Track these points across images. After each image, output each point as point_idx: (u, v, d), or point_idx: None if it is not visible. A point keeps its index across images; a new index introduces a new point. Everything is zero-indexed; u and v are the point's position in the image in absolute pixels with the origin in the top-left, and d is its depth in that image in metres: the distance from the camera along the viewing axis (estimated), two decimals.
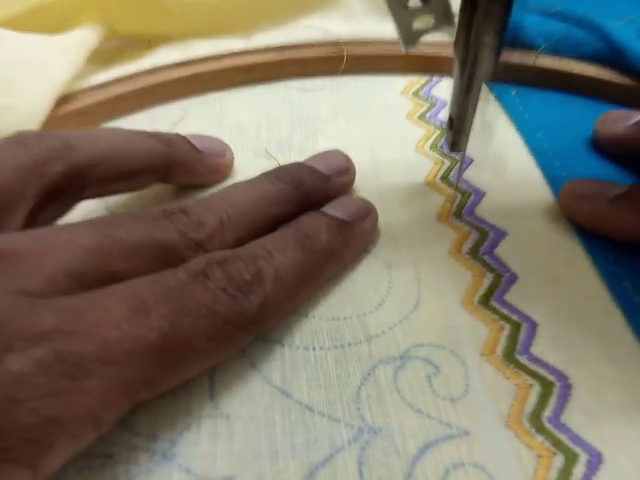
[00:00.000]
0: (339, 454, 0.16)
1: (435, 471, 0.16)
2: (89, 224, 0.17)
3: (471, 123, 0.21)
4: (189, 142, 0.23)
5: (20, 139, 0.18)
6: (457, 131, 0.22)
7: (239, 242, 0.19)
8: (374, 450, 0.17)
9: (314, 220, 0.20)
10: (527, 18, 0.31)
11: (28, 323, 0.14)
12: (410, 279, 0.21)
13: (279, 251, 0.18)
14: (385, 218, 0.23)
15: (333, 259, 0.20)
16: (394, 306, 0.20)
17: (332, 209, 0.21)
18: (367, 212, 0.22)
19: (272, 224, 0.20)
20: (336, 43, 0.30)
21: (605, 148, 0.26)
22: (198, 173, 0.24)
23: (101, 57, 0.31)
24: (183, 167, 0.22)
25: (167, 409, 0.17)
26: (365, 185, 0.25)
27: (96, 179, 0.20)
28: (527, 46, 0.31)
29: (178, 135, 0.23)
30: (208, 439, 0.17)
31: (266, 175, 0.22)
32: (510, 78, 0.30)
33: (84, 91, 0.28)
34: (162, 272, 0.16)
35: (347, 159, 0.24)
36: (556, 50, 0.30)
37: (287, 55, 0.30)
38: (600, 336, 0.19)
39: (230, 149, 0.25)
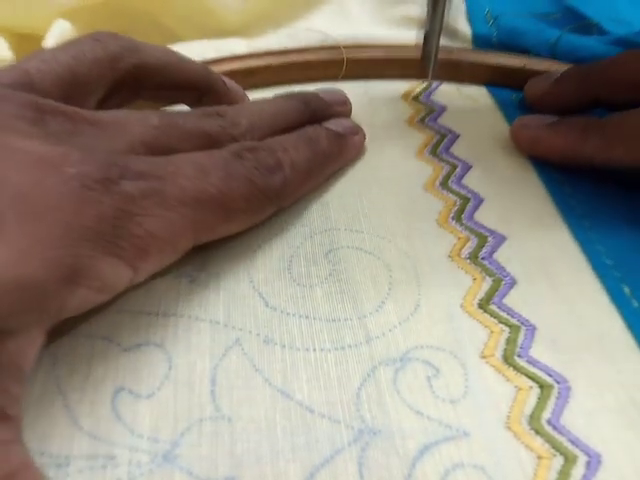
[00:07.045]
0: (339, 455, 0.17)
1: (435, 472, 0.16)
2: (155, 111, 0.22)
3: (437, 49, 0.27)
4: (221, 78, 0.27)
5: (97, 36, 0.22)
6: (428, 57, 0.27)
7: None
8: (374, 451, 0.17)
9: (316, 129, 0.25)
10: (525, 23, 0.32)
11: (129, 164, 0.18)
12: (410, 281, 0.21)
13: (292, 148, 0.23)
14: (385, 222, 0.23)
15: (331, 160, 0.25)
16: (394, 308, 0.20)
17: (330, 124, 0.26)
18: (357, 130, 0.27)
19: (284, 133, 0.24)
20: (336, 47, 0.31)
21: (533, 107, 0.28)
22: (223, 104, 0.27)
23: None
24: (214, 96, 0.26)
25: (168, 411, 0.17)
26: (365, 190, 0.25)
27: (154, 83, 0.24)
28: (526, 51, 0.31)
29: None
30: (209, 441, 0.17)
31: (280, 95, 0.26)
32: (510, 82, 0.30)
33: None
34: (210, 150, 0.21)
35: (345, 95, 0.28)
36: (554, 55, 0.30)
37: (287, 59, 0.30)
38: (599, 339, 0.20)
39: (247, 96, 0.28)
